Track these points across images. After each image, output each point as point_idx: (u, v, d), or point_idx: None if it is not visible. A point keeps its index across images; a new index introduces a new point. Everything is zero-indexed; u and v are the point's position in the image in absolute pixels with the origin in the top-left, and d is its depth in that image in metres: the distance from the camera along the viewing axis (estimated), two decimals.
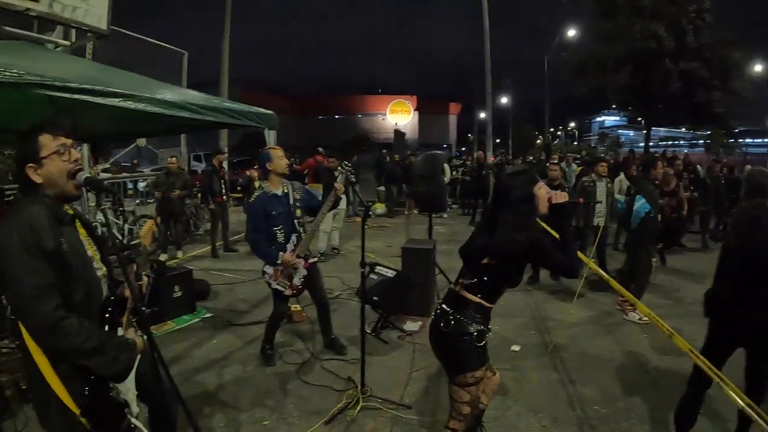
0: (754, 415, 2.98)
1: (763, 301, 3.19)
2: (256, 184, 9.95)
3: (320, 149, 14.50)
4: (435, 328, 3.06)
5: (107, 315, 2.35)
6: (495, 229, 2.96)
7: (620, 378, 4.93)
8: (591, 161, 12.31)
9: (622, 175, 9.83)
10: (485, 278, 2.96)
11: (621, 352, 5.58)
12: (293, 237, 4.94)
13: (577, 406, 4.39)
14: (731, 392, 3.13)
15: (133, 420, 2.37)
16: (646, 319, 6.02)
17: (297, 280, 4.95)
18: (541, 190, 2.98)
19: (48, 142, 2.23)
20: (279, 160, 4.92)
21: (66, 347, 2.09)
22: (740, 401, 3.06)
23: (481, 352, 2.98)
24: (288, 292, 4.96)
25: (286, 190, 4.97)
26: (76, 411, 2.13)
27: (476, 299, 2.96)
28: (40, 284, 2.05)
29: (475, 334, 2.91)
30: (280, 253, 4.83)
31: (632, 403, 4.46)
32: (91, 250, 2.41)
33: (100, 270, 2.42)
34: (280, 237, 4.88)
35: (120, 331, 2.38)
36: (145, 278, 2.50)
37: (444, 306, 3.06)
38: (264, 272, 4.94)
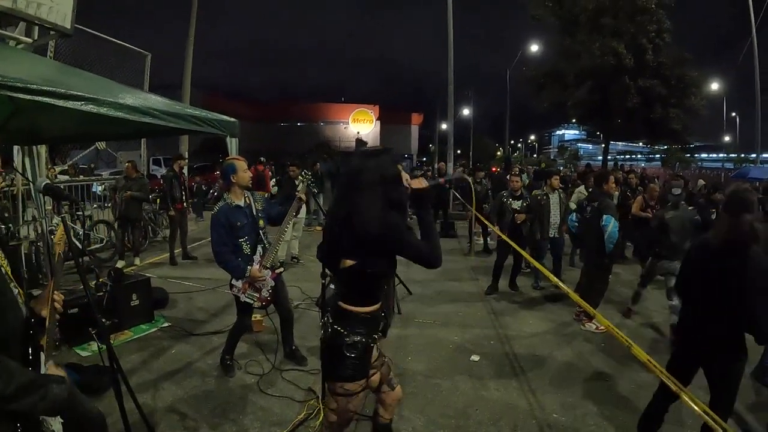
0: (711, 421, 3.05)
1: (721, 323, 3.32)
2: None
3: (262, 159, 14.49)
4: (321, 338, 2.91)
5: (30, 335, 2.22)
6: (348, 210, 2.70)
7: (578, 386, 5.03)
8: (541, 174, 12.53)
9: (581, 188, 9.98)
10: (356, 282, 2.79)
11: (579, 361, 5.68)
12: (259, 248, 4.90)
13: (536, 415, 4.45)
14: (688, 400, 3.20)
15: None
16: (603, 328, 6.15)
17: (265, 292, 4.91)
18: (404, 174, 2.82)
19: None
20: (243, 173, 4.85)
21: None
22: (697, 408, 3.13)
23: (357, 365, 2.78)
24: (257, 304, 4.91)
25: (248, 201, 4.92)
26: None
27: (355, 308, 2.78)
28: None
29: (349, 343, 2.73)
30: (248, 266, 4.79)
31: (590, 410, 4.54)
32: (4, 265, 2.23)
33: (15, 288, 2.26)
34: (246, 249, 4.82)
35: (41, 356, 2.25)
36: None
37: (328, 316, 2.89)
38: (232, 285, 4.87)
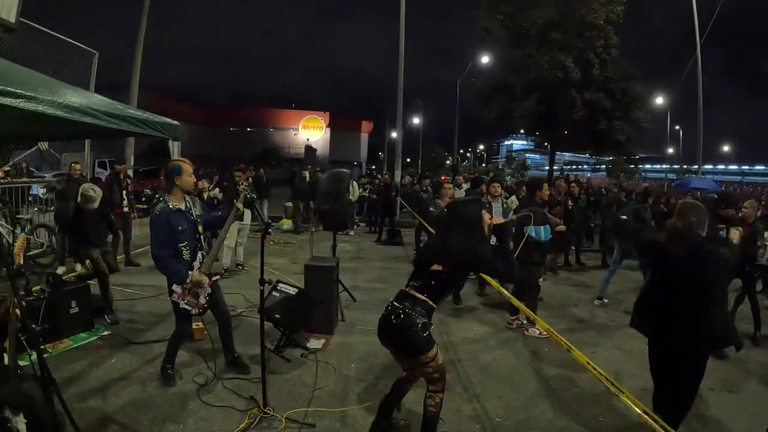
0: (651, 420, 3.14)
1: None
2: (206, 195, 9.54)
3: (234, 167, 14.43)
4: (386, 321, 3.60)
5: None
6: (447, 242, 3.62)
7: (521, 390, 5.12)
8: (476, 181, 12.81)
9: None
10: (432, 282, 3.61)
11: (522, 365, 5.79)
12: (199, 254, 4.82)
13: (480, 419, 4.50)
14: (629, 401, 3.30)
15: None
16: (546, 333, 6.28)
17: (203, 299, 4.81)
18: (486, 214, 3.74)
19: None
20: (188, 177, 4.75)
21: None
22: (637, 409, 3.23)
23: (428, 339, 3.55)
24: (195, 311, 4.80)
25: (188, 205, 4.83)
26: None
27: (423, 297, 3.57)
28: None
29: (420, 325, 3.48)
30: (189, 271, 4.70)
31: (533, 414, 4.64)
32: None
33: None
34: (186, 254, 4.71)
35: (5, 357, 2.25)
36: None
37: (395, 303, 3.63)
38: (172, 291, 4.73)
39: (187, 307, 4.74)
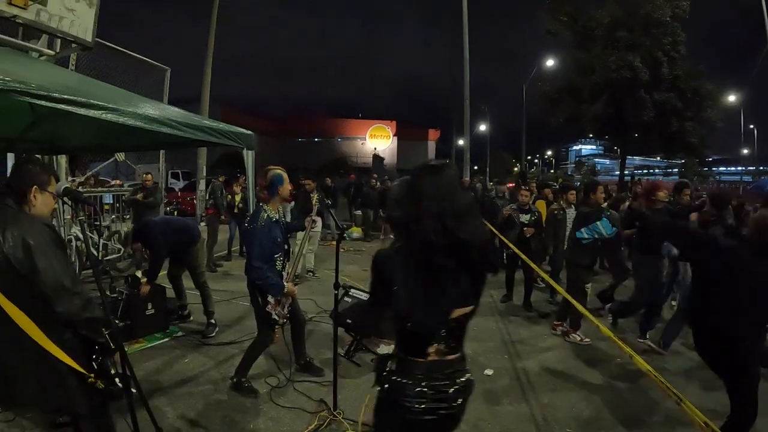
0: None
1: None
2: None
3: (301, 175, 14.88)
4: None
5: None
6: None
7: (591, 400, 5.00)
8: (542, 186, 12.54)
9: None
10: None
11: (593, 375, 5.64)
12: (287, 264, 4.81)
13: (551, 428, 4.43)
14: (690, 410, 3.22)
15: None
16: (588, 340, 6.46)
17: (287, 308, 4.83)
18: None
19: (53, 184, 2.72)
20: (288, 185, 4.74)
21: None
22: (698, 419, 3.15)
23: None
24: (282, 321, 4.80)
25: (281, 214, 4.82)
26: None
27: None
28: None
29: None
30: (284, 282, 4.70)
31: (603, 423, 4.53)
32: None
33: None
34: (279, 265, 4.66)
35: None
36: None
37: None
38: (268, 302, 4.66)
39: (276, 317, 4.71)
